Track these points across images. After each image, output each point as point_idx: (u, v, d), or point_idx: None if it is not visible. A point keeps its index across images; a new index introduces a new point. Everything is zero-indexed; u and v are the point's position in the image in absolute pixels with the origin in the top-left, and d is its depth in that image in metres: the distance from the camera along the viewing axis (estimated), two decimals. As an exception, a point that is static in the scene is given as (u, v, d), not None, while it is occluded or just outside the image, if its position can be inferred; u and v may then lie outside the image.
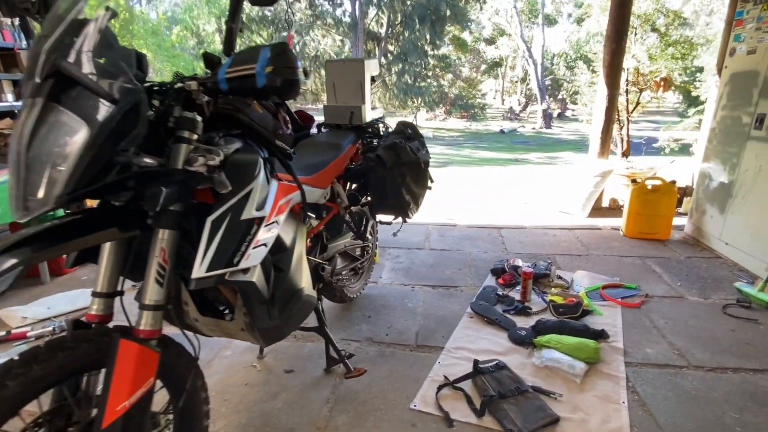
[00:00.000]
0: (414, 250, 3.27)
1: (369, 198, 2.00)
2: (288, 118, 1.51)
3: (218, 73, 1.00)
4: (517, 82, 28.09)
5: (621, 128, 4.68)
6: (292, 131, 1.52)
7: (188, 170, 0.99)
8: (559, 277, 2.67)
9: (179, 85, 1.04)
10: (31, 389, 0.88)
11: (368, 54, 18.73)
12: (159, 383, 1.10)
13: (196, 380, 1.20)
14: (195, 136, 1.06)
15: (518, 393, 1.64)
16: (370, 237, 2.34)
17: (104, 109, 0.85)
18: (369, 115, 2.18)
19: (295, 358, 1.96)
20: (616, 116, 4.45)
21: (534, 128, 19.36)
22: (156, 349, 1.01)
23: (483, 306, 2.31)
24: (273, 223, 1.25)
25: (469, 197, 5.04)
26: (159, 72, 11.64)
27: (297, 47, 19.82)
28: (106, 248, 1.06)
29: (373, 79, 2.24)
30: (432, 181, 2.29)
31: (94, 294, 1.07)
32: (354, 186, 2.01)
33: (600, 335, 2.03)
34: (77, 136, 0.83)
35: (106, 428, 0.91)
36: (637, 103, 4.77)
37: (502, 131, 18.06)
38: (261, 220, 1.13)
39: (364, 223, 2.04)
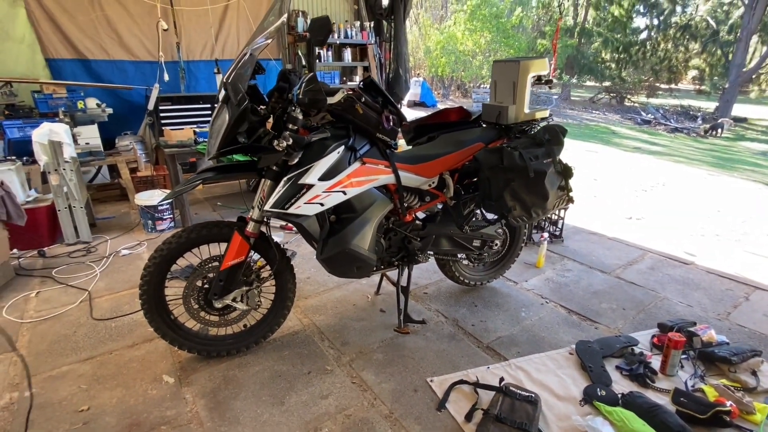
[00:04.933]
0: (594, 271, 2.88)
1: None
2: (391, 117, 1.91)
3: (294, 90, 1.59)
4: None
5: None
6: (396, 126, 1.91)
7: (272, 147, 1.65)
8: (753, 373, 1.83)
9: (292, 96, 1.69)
10: (193, 242, 1.81)
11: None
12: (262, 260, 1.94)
13: (284, 265, 1.95)
14: (295, 127, 1.71)
15: (516, 427, 1.56)
16: (497, 234, 2.39)
17: (231, 111, 1.59)
18: (521, 116, 2.19)
19: (395, 306, 2.45)
20: None
21: None
22: (249, 242, 1.80)
23: (589, 349, 1.99)
24: (338, 192, 1.78)
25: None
26: (494, 52, 12.81)
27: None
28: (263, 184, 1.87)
29: (539, 79, 2.19)
30: (570, 192, 2.09)
31: (253, 207, 1.93)
32: (466, 181, 2.17)
33: (710, 455, 1.46)
34: (225, 123, 1.63)
35: (222, 271, 1.80)
36: None
37: None
38: (311, 186, 1.68)
39: (468, 217, 2.17)
